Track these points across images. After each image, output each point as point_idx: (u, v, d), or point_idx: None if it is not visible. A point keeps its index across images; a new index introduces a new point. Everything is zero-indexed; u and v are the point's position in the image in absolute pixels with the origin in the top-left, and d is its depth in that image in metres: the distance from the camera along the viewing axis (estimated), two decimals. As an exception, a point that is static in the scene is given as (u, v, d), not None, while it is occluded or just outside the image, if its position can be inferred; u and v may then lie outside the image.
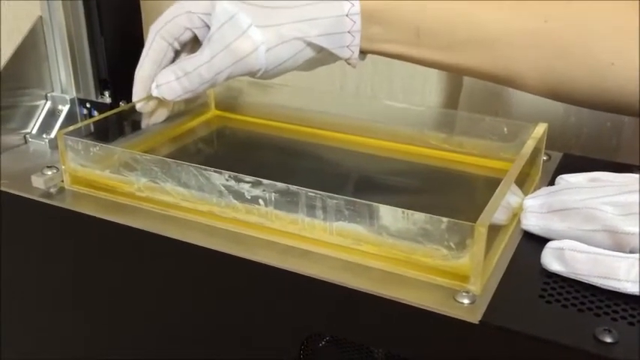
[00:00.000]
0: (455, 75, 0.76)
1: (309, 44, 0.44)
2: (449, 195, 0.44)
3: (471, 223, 0.31)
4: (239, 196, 0.37)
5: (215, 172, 0.37)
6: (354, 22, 0.44)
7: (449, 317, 0.30)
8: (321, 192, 0.34)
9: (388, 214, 0.33)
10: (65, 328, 0.45)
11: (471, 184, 0.46)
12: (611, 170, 0.39)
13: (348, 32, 0.44)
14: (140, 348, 0.42)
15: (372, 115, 0.51)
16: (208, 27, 0.46)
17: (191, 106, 0.55)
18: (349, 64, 0.47)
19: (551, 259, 0.34)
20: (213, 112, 0.57)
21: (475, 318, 0.30)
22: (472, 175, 0.46)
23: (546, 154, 0.47)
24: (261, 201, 0.36)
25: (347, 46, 0.45)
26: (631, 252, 0.32)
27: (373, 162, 0.49)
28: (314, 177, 0.47)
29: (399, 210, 0.32)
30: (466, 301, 0.31)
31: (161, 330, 0.41)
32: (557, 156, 0.48)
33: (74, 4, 0.48)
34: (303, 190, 0.34)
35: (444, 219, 0.31)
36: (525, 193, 0.42)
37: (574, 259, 0.33)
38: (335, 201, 0.34)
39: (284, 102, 0.55)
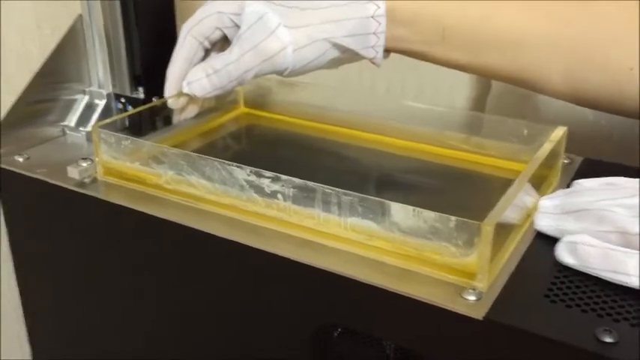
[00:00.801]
0: (483, 78, 0.76)
1: (335, 45, 0.46)
2: (465, 195, 0.45)
3: (478, 222, 0.32)
4: (259, 190, 0.38)
5: (237, 167, 0.38)
6: (380, 24, 0.45)
7: (454, 313, 0.32)
8: (336, 188, 0.35)
9: (399, 212, 0.34)
10: (93, 313, 0.48)
11: (489, 185, 0.47)
12: (631, 175, 0.39)
13: (373, 33, 0.45)
14: (160, 332, 0.44)
15: (395, 115, 0.52)
16: (238, 26, 0.48)
17: (221, 102, 0.57)
18: (373, 63, 0.48)
19: (564, 253, 0.35)
20: (241, 109, 0.59)
21: (479, 314, 0.31)
22: (490, 176, 0.47)
23: (568, 157, 0.48)
24: (280, 196, 0.38)
25: (372, 47, 0.46)
26: None
27: (394, 161, 0.50)
28: (335, 173, 0.49)
29: (410, 208, 0.34)
30: (472, 297, 0.32)
31: (181, 316, 0.42)
32: (580, 160, 0.48)
33: (112, 4, 0.51)
34: (319, 187, 0.36)
35: (453, 217, 0.32)
36: (542, 195, 0.43)
37: (586, 252, 0.34)
38: (349, 197, 0.35)
39: (310, 100, 0.56)
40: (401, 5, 0.45)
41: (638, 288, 0.32)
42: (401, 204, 0.34)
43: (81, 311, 0.49)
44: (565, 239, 0.35)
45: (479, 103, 0.80)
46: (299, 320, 0.38)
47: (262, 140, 0.56)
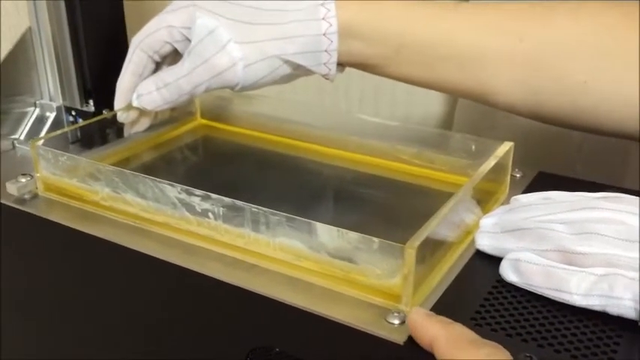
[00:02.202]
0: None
1: (286, 61, 0.45)
2: (412, 210, 0.44)
3: (400, 245, 0.31)
4: (191, 208, 0.37)
5: (169, 184, 0.38)
6: (332, 42, 0.44)
7: (377, 337, 0.31)
8: (263, 208, 0.35)
9: (325, 232, 0.33)
10: (32, 328, 0.47)
11: (437, 200, 0.46)
12: (581, 188, 0.38)
13: (325, 51, 0.45)
14: (93, 349, 0.43)
15: (350, 129, 0.51)
16: (188, 40, 0.47)
17: (177, 114, 0.56)
18: (327, 79, 0.47)
19: (507, 270, 0.35)
20: (198, 120, 0.58)
21: (401, 339, 0.30)
22: (439, 191, 0.46)
23: (521, 171, 0.47)
24: (210, 214, 0.37)
25: (324, 64, 0.45)
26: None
27: (346, 174, 0.50)
28: (286, 188, 0.48)
29: (335, 229, 0.33)
30: (396, 321, 0.31)
31: (116, 333, 0.42)
32: (534, 174, 0.47)
33: (59, 16, 0.50)
34: (247, 206, 0.35)
35: (376, 239, 0.32)
36: (489, 210, 0.42)
37: (529, 270, 0.34)
38: (277, 217, 0.34)
39: (267, 113, 0.55)
40: (356, 20, 0.45)
41: (579, 306, 0.32)
42: (326, 225, 0.33)
43: (19, 326, 0.48)
44: (509, 256, 0.35)
45: (452, 109, 0.80)
46: (233, 341, 0.37)
47: (217, 153, 0.55)
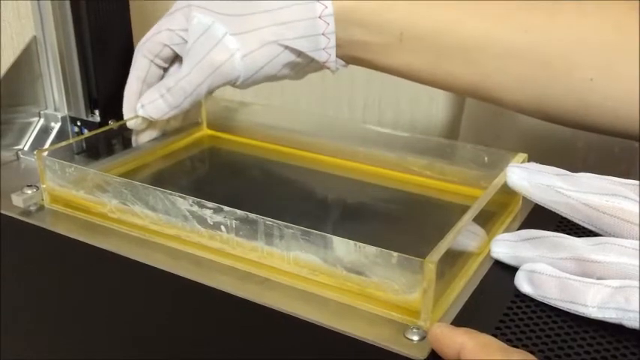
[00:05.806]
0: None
1: (286, 48, 0.44)
2: (425, 223, 0.44)
3: (420, 259, 0.30)
4: (202, 221, 0.37)
5: (180, 196, 0.37)
6: (328, 24, 0.44)
7: (396, 354, 0.30)
8: (278, 221, 0.34)
9: (341, 246, 0.32)
10: (36, 345, 0.46)
11: (450, 212, 0.45)
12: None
13: (323, 34, 0.44)
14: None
15: (360, 140, 0.51)
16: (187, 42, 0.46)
17: (183, 124, 0.55)
18: (328, 68, 0.46)
19: (522, 281, 0.34)
20: (204, 131, 0.57)
21: (421, 355, 0.30)
22: (451, 203, 0.46)
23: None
24: (223, 227, 0.36)
25: (323, 49, 0.45)
26: (598, 279, 0.32)
27: (356, 187, 0.49)
28: (295, 200, 0.47)
29: (352, 242, 0.32)
30: (415, 337, 0.31)
31: (124, 349, 0.41)
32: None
33: (66, 24, 0.49)
34: (261, 219, 0.34)
35: (395, 253, 0.31)
36: (502, 223, 0.41)
37: (543, 282, 0.33)
38: (291, 230, 0.34)
39: (275, 123, 0.55)
40: (356, 5, 0.44)
41: (595, 318, 0.31)
42: (343, 238, 0.32)
43: (23, 340, 0.47)
44: (524, 267, 0.34)
45: (456, 116, 0.79)
46: (245, 356, 0.36)
47: (223, 164, 0.55)
